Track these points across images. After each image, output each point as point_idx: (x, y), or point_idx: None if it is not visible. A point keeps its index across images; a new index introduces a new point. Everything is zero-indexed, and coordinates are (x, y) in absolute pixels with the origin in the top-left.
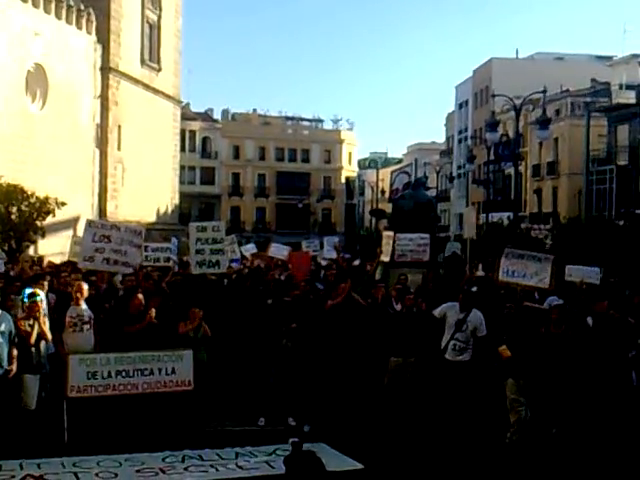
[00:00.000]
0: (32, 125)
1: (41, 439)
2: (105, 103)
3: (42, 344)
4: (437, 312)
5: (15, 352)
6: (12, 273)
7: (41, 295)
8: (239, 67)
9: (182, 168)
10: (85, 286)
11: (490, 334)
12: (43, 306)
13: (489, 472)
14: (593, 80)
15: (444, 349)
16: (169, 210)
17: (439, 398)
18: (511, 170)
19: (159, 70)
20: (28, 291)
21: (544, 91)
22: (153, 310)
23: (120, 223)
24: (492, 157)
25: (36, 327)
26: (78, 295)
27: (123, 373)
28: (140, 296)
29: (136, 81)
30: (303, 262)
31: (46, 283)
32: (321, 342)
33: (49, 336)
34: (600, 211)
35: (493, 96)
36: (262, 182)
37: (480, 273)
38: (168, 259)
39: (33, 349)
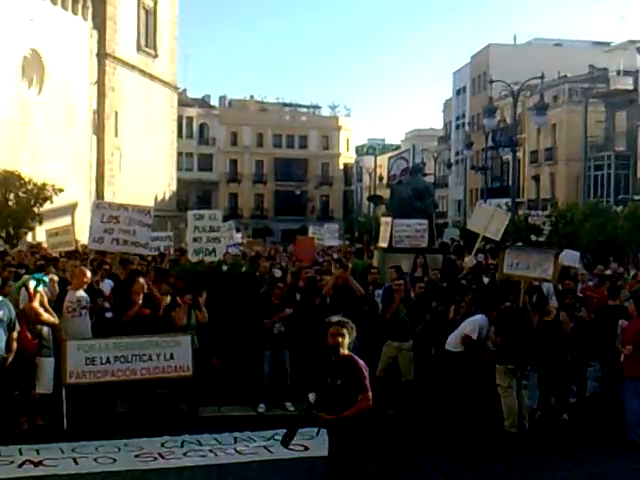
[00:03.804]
0: (29, 111)
1: (40, 425)
2: (102, 89)
3: (50, 329)
4: (475, 334)
5: (15, 337)
6: (11, 260)
7: (47, 280)
8: (236, 53)
9: (179, 155)
10: (88, 273)
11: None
12: (47, 292)
13: (487, 458)
14: (591, 66)
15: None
16: (167, 197)
17: (438, 384)
18: (509, 156)
19: (156, 56)
20: (42, 277)
21: (542, 77)
22: (167, 298)
23: (127, 204)
24: (490, 143)
25: (51, 312)
26: (85, 280)
27: (122, 359)
28: (142, 280)
29: (132, 67)
30: (309, 247)
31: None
32: (316, 327)
33: (57, 321)
34: (598, 197)
35: (491, 82)
36: (260, 169)
37: (469, 259)
38: (168, 247)
39: (45, 333)
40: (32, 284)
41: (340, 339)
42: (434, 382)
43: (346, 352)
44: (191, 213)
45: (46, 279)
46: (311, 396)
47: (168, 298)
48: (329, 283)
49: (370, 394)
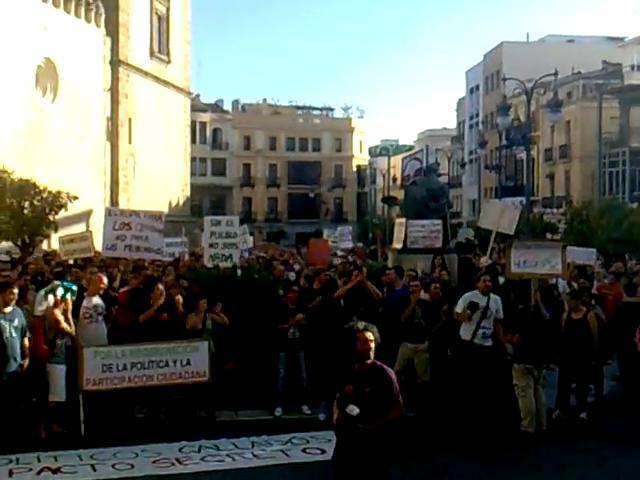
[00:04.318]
0: (43, 119)
1: (58, 432)
2: (115, 96)
3: (65, 337)
4: (460, 308)
5: (27, 343)
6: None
7: (75, 289)
8: (248, 57)
9: (193, 160)
10: (105, 279)
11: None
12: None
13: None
14: (604, 62)
15: (473, 336)
16: (180, 202)
17: (463, 382)
18: (523, 155)
19: (168, 62)
20: (72, 285)
21: (555, 74)
22: (180, 297)
23: (139, 210)
24: (504, 142)
25: (70, 321)
26: (101, 286)
27: (138, 365)
28: (160, 286)
29: (146, 74)
30: (322, 250)
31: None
32: (331, 330)
33: (73, 332)
34: (613, 194)
35: (504, 80)
36: (273, 172)
37: (484, 259)
38: (183, 253)
39: (59, 341)
40: (60, 291)
41: (370, 346)
42: (451, 383)
43: (374, 360)
44: (208, 219)
45: (74, 288)
46: (354, 410)
47: (181, 298)
48: (345, 287)
49: (401, 401)
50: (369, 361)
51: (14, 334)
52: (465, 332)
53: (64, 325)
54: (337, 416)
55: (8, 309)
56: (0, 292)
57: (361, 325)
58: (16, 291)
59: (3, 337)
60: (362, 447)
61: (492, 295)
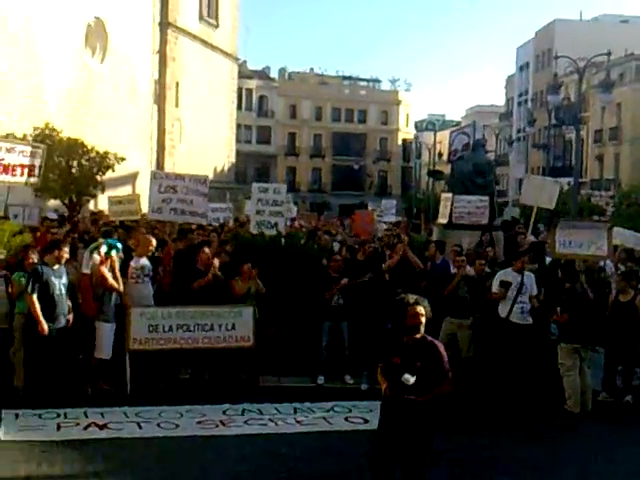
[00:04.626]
0: (91, 80)
1: (104, 390)
2: (163, 59)
3: (113, 295)
4: (495, 287)
5: (69, 303)
6: (80, 224)
7: (119, 247)
8: (297, 25)
9: (238, 127)
10: (154, 241)
11: (545, 300)
12: (118, 258)
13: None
14: None
15: (509, 313)
16: (225, 169)
17: (503, 360)
18: (572, 135)
19: (217, 27)
20: (116, 242)
21: (608, 54)
22: (216, 261)
23: (184, 173)
24: (553, 121)
25: (119, 278)
26: (150, 248)
27: (184, 327)
28: (207, 250)
29: (194, 37)
30: (367, 222)
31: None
32: (375, 302)
33: (122, 288)
34: None
35: (556, 58)
36: (318, 142)
37: (530, 238)
38: (227, 218)
39: (107, 298)
40: (104, 249)
41: (421, 320)
42: (494, 360)
43: (424, 334)
44: (256, 185)
45: (119, 245)
46: (410, 379)
47: (217, 262)
48: (393, 259)
49: (451, 377)
50: (419, 335)
51: (63, 291)
52: (502, 310)
53: (111, 281)
54: (387, 386)
55: (56, 266)
56: (52, 250)
57: (412, 298)
58: (67, 249)
59: (54, 294)
60: (411, 419)
61: (526, 272)
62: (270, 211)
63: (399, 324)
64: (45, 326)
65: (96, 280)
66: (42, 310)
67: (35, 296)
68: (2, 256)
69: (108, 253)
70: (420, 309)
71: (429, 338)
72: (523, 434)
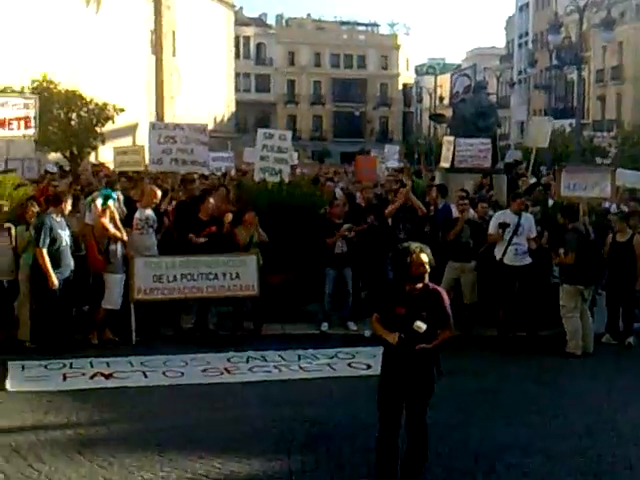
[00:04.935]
0: (88, 30)
1: (110, 339)
2: (158, 7)
3: (119, 245)
4: (493, 229)
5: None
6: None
7: (115, 196)
8: None
9: (237, 75)
10: (159, 192)
11: (548, 243)
12: (116, 207)
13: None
14: None
15: (503, 254)
16: (225, 118)
17: (501, 302)
18: (574, 75)
19: None
20: (111, 193)
21: None
22: (229, 215)
23: (182, 123)
24: (554, 62)
25: (121, 228)
26: (155, 200)
27: (188, 276)
28: (212, 201)
29: None
30: (369, 167)
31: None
32: (379, 248)
33: (125, 237)
34: None
35: None
36: (318, 89)
37: (531, 180)
38: (230, 168)
39: (112, 248)
40: (99, 201)
41: (426, 268)
42: (495, 303)
43: (427, 282)
44: (261, 131)
45: (114, 195)
46: (423, 326)
47: (230, 216)
48: (395, 204)
49: (452, 323)
50: (425, 283)
51: (68, 242)
52: (497, 252)
53: (113, 231)
54: (397, 336)
55: (60, 218)
56: (57, 204)
57: (416, 247)
58: (70, 201)
59: (60, 246)
60: (417, 366)
61: (524, 213)
62: (275, 157)
63: (401, 272)
64: (55, 280)
65: (98, 232)
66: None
67: (45, 250)
68: (6, 208)
69: (105, 204)
70: (424, 257)
71: (431, 285)
72: (527, 376)
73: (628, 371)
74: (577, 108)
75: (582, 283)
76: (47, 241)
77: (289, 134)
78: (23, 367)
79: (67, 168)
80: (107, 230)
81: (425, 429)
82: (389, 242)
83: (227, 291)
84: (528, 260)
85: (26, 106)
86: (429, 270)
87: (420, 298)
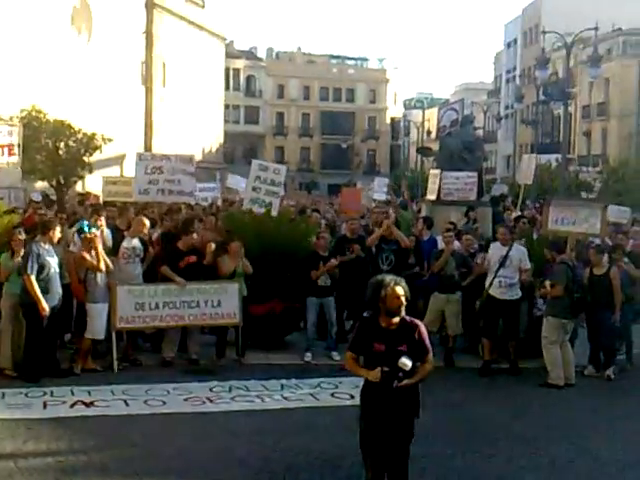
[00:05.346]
0: (78, 60)
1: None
2: (149, 39)
3: (99, 275)
4: (485, 262)
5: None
6: (68, 206)
7: (99, 226)
8: (283, 4)
9: (226, 107)
10: (147, 222)
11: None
12: (99, 237)
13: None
14: None
15: (489, 286)
16: (213, 149)
17: (485, 333)
18: (560, 111)
19: (203, 6)
20: (86, 223)
21: (596, 28)
22: (212, 245)
23: (170, 154)
24: (541, 97)
25: (102, 258)
26: (143, 229)
27: (170, 304)
28: (195, 235)
29: (180, 17)
30: (354, 199)
31: (103, 217)
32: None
33: (110, 267)
34: None
35: (543, 33)
36: (306, 122)
37: (515, 213)
38: (216, 198)
39: (92, 278)
40: (78, 230)
41: (402, 301)
42: (480, 332)
43: (404, 315)
44: (256, 162)
45: (84, 225)
46: (408, 362)
47: (212, 246)
48: (376, 234)
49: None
50: (402, 317)
51: (57, 269)
52: (487, 282)
53: (89, 260)
54: (379, 372)
55: (48, 246)
56: (46, 231)
57: (390, 279)
58: (59, 229)
59: (49, 273)
60: (399, 402)
61: (516, 245)
62: (267, 190)
63: (376, 307)
64: (46, 306)
65: (77, 261)
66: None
67: (34, 277)
68: None
69: (84, 231)
70: (399, 290)
71: (408, 318)
72: (506, 406)
73: (610, 403)
74: (563, 143)
75: (567, 316)
76: (35, 267)
77: (284, 169)
78: (3, 395)
79: (53, 197)
80: (84, 260)
81: (407, 472)
82: (371, 273)
83: (209, 319)
84: (515, 294)
85: (10, 133)
86: (405, 303)
87: (398, 333)
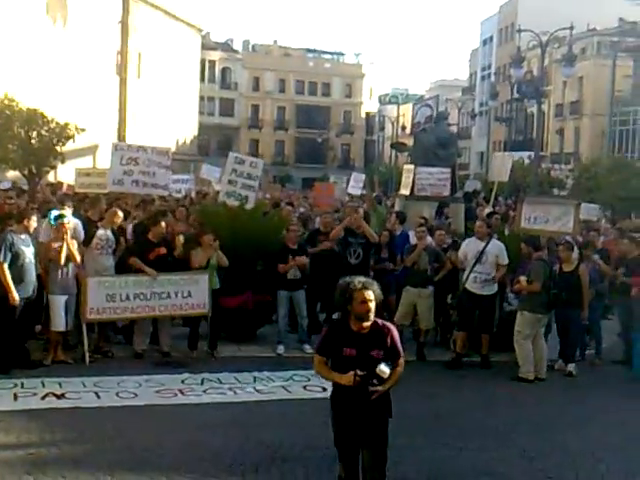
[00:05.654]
0: (52, 49)
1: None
2: (125, 29)
3: (70, 266)
4: (461, 256)
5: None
6: (39, 196)
7: (68, 217)
8: None
9: (201, 99)
10: (120, 214)
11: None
12: (70, 227)
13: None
14: (621, 19)
15: (465, 280)
16: (188, 141)
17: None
18: (534, 109)
19: None
20: (55, 213)
21: (571, 28)
22: (180, 237)
23: (146, 146)
24: (515, 95)
25: (64, 249)
26: (116, 220)
27: (141, 296)
28: (163, 224)
29: (156, 7)
30: (327, 194)
31: (69, 208)
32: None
33: (78, 258)
34: (623, 153)
35: (519, 31)
36: (282, 115)
37: (487, 210)
38: (189, 190)
39: (61, 271)
40: (46, 220)
41: (372, 305)
42: (455, 325)
43: (375, 319)
44: (233, 155)
45: (51, 215)
46: (387, 369)
47: (182, 238)
48: (339, 227)
49: (402, 356)
50: (373, 320)
51: (32, 259)
52: (464, 276)
53: (53, 254)
54: (354, 379)
55: (24, 235)
56: (22, 220)
57: (358, 282)
58: (35, 218)
59: (24, 263)
60: (371, 403)
61: (493, 241)
62: (243, 183)
63: (345, 310)
64: (16, 295)
65: (41, 252)
66: (12, 279)
67: (6, 265)
68: None
69: (60, 221)
70: (369, 294)
71: (380, 322)
72: (479, 401)
73: (580, 396)
74: (536, 140)
75: (542, 311)
76: (8, 256)
77: (261, 163)
78: None
79: (25, 187)
80: (49, 250)
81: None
82: (340, 267)
83: (179, 310)
84: (491, 289)
85: None
86: (374, 309)
87: (370, 337)
